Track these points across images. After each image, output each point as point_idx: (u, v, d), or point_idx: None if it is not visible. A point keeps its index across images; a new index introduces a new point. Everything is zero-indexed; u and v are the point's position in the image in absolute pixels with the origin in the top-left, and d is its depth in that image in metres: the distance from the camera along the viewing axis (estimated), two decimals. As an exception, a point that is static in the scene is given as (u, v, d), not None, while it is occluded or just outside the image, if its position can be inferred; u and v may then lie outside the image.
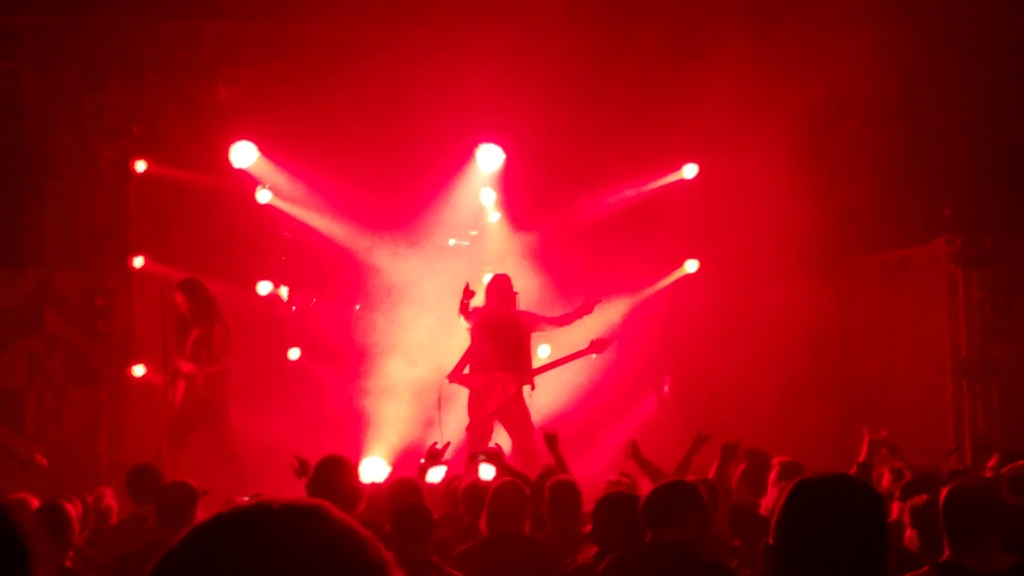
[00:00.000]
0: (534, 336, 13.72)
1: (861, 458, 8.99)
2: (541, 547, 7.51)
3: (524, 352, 13.29)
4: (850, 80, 15.42)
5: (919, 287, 15.97)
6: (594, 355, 13.56)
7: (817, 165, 15.45)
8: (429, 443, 9.91)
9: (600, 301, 13.61)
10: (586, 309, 13.41)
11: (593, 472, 12.13)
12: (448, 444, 9.93)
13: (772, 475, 9.41)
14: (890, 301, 16.41)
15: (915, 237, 15.93)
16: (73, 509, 8.13)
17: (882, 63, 15.16)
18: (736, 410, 15.31)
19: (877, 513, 3.53)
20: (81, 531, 8.46)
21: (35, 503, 8.32)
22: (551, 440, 9.78)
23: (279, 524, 1.74)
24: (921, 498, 7.30)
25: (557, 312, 13.92)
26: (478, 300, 13.49)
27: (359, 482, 7.33)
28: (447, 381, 13.27)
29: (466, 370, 13.31)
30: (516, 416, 12.99)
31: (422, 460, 9.71)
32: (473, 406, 13.12)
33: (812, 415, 16.01)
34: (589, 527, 7.91)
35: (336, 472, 7.23)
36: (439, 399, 13.15)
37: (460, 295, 13.18)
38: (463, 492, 8.67)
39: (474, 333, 13.23)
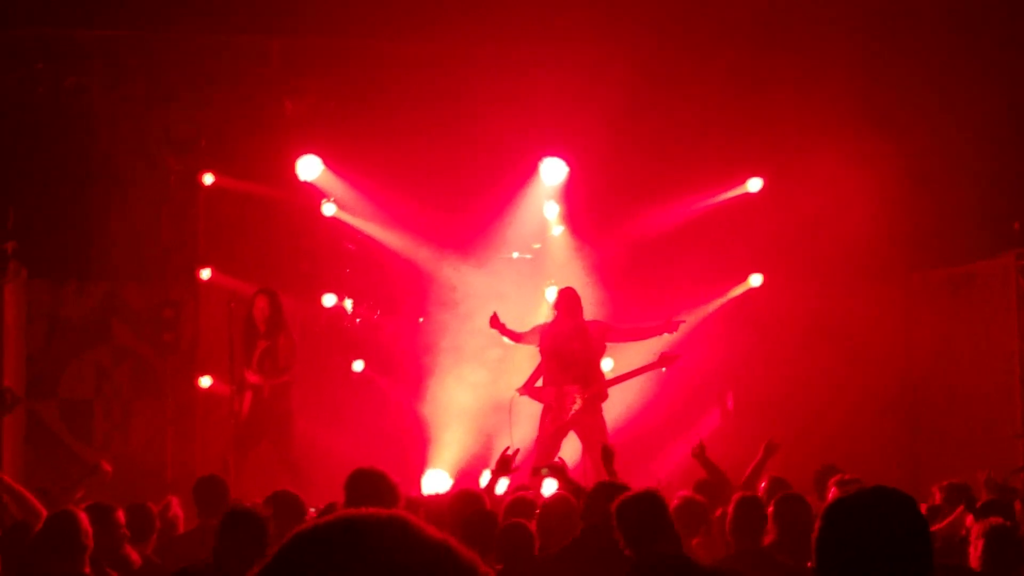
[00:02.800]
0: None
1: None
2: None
3: (595, 363, 13.25)
4: (916, 93, 15.34)
5: (986, 302, 15.79)
6: (663, 369, 13.49)
7: (882, 179, 15.32)
8: (499, 452, 9.90)
9: (683, 321, 13.52)
10: (669, 327, 13.31)
11: (658, 485, 12.11)
12: (518, 451, 9.91)
13: (831, 493, 9.35)
14: (956, 316, 16.25)
15: (983, 251, 15.76)
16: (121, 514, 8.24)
17: (949, 76, 15.07)
18: (800, 425, 15.22)
19: (917, 523, 3.48)
20: (148, 538, 8.54)
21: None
22: (607, 455, 9.81)
23: (368, 534, 1.81)
24: (997, 519, 7.25)
25: (627, 349, 13.85)
26: (542, 316, 13.51)
27: (394, 489, 7.35)
28: (518, 394, 13.26)
29: (538, 383, 13.29)
30: (590, 427, 12.96)
31: (491, 469, 9.70)
32: (544, 419, 13.11)
33: (877, 431, 15.91)
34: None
35: (368, 483, 7.26)
36: (510, 412, 13.14)
37: (496, 319, 13.25)
38: (505, 506, 8.68)
39: (544, 347, 13.22)
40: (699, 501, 8.61)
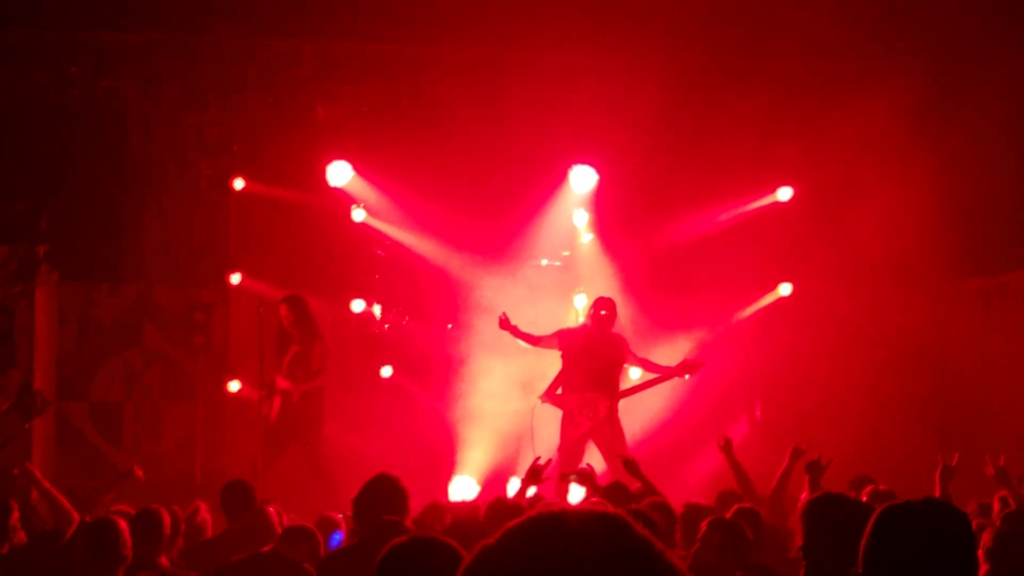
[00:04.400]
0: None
1: (937, 493, 8.69)
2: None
3: (617, 373, 13.25)
4: (949, 105, 15.27)
5: (1018, 313, 15.71)
6: (686, 376, 13.45)
7: (915, 188, 15.26)
8: (527, 461, 9.89)
9: (701, 367, 13.44)
10: (680, 370, 13.31)
11: (686, 496, 12.07)
12: (550, 461, 9.90)
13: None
14: (988, 327, 16.16)
15: (1014, 262, 15.70)
16: (166, 515, 8.25)
17: (984, 85, 15.00)
18: (830, 434, 15.12)
19: (966, 537, 3.53)
20: (174, 542, 8.56)
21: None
22: (631, 466, 9.80)
23: (586, 529, 1.85)
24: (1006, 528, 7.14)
25: (652, 357, 13.81)
26: (570, 323, 13.52)
27: (405, 499, 7.43)
28: (540, 401, 13.25)
29: (559, 390, 13.27)
30: (610, 437, 12.95)
31: (520, 478, 9.69)
32: (565, 426, 13.09)
33: (906, 441, 15.81)
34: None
35: (380, 491, 7.32)
36: (532, 419, 13.14)
37: (507, 322, 13.24)
38: (487, 508, 8.68)
39: (569, 353, 13.20)
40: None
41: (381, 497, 7.37)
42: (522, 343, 13.45)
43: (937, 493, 8.63)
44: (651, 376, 13.56)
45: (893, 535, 3.50)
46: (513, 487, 12.98)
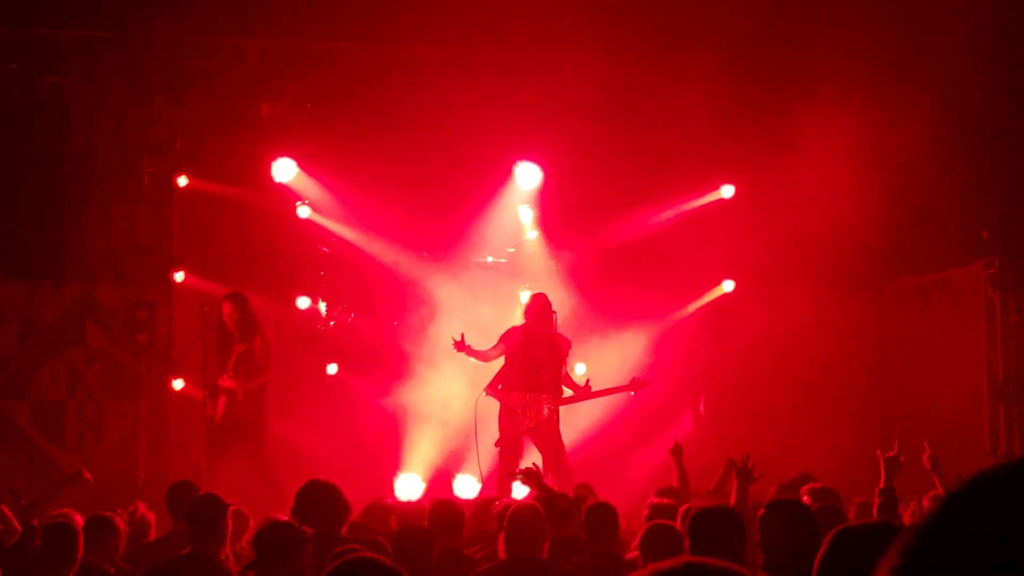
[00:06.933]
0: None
1: (881, 484, 8.75)
2: (558, 571, 7.54)
3: (558, 372, 13.28)
4: (889, 103, 15.41)
5: (957, 310, 15.91)
6: (631, 393, 13.51)
7: (854, 187, 15.40)
8: (473, 457, 9.93)
9: (648, 387, 13.49)
10: (627, 388, 13.40)
11: (630, 492, 12.16)
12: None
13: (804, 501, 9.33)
14: (928, 324, 16.35)
15: (953, 260, 15.88)
16: (120, 521, 8.23)
17: (922, 87, 15.15)
18: (772, 430, 15.33)
19: None
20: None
21: (78, 518, 8.35)
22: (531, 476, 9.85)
23: None
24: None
25: (598, 355, 13.94)
26: (516, 320, 13.58)
27: (343, 502, 7.47)
28: (484, 394, 13.26)
29: (500, 386, 13.30)
30: (547, 435, 13.00)
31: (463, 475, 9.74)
32: (505, 422, 13.11)
33: (848, 437, 15.96)
34: (631, 552, 7.96)
35: (316, 496, 7.35)
36: (475, 413, 13.17)
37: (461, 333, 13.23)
38: (496, 513, 8.70)
39: (511, 350, 13.22)
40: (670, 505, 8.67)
41: (320, 506, 7.39)
42: (474, 360, 13.45)
43: (882, 484, 8.66)
44: (600, 387, 13.60)
45: (844, 557, 3.52)
46: (460, 484, 13.05)
